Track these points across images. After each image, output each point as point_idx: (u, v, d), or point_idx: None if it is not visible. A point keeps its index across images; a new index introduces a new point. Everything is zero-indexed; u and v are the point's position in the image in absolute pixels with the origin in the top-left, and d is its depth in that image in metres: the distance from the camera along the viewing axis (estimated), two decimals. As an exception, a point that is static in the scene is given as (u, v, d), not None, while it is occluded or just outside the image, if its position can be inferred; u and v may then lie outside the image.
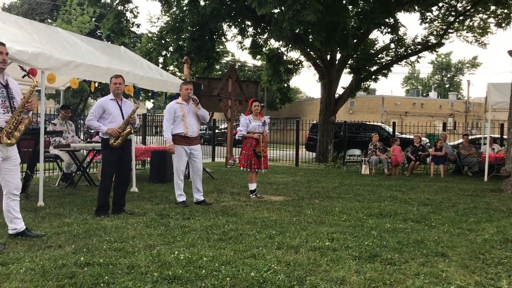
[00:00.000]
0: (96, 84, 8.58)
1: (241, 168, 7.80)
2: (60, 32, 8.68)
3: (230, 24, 17.31)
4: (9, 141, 4.36)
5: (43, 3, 28.67)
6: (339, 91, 18.34)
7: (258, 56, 19.31)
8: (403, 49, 18.15)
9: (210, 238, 4.75)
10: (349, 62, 17.86)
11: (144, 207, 6.54)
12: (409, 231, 5.26)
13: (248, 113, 7.84)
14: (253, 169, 7.63)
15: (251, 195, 7.73)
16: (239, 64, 39.29)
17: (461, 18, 17.56)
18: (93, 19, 24.78)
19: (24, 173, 7.34)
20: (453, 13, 17.54)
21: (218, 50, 20.37)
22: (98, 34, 25.96)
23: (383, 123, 23.62)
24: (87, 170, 9.09)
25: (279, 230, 5.18)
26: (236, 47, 25.94)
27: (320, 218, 5.98)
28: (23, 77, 5.07)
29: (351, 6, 15.98)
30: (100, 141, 6.26)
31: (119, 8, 16.17)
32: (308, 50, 17.16)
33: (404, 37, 17.97)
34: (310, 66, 18.88)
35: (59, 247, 4.28)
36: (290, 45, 17.20)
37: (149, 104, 48.51)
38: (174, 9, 16.98)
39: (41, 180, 6.66)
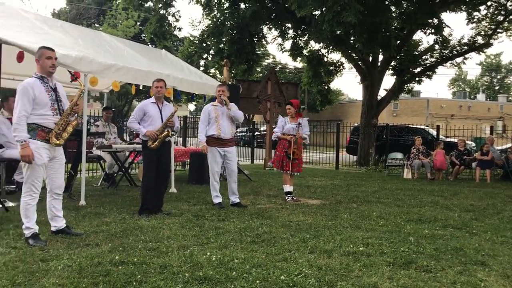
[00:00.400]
0: (141, 87, 8.81)
1: (275, 169, 7.86)
2: (104, 36, 8.96)
3: (270, 26, 17.33)
4: (57, 142, 4.56)
5: (90, 9, 29.69)
6: (382, 93, 18.01)
7: (299, 58, 19.23)
8: (448, 50, 17.59)
9: (243, 240, 4.76)
10: (392, 63, 17.48)
11: (181, 208, 6.63)
12: (448, 238, 5.09)
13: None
14: (284, 171, 7.64)
15: (286, 197, 7.71)
16: (280, 66, 39.28)
17: (511, 17, 16.86)
18: (138, 23, 25.42)
19: (68, 173, 7.63)
20: (502, 12, 16.85)
21: (258, 52, 20.44)
22: (142, 38, 26.61)
23: (427, 126, 22.99)
24: (129, 171, 9.31)
25: (313, 234, 5.14)
26: (276, 49, 25.92)
27: (357, 223, 5.88)
28: (71, 81, 5.28)
29: (393, 7, 15.65)
30: (141, 142, 6.45)
31: (161, 12, 16.50)
32: (349, 51, 16.94)
33: (449, 37, 17.41)
34: (352, 67, 18.64)
35: (97, 245, 4.41)
36: (330, 47, 17.03)
37: (191, 107, 49.19)
38: (215, 12, 17.16)
39: (83, 180, 6.88)
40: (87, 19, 29.03)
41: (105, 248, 4.27)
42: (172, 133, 6.35)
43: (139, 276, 3.48)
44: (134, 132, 8.15)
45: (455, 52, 17.51)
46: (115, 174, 9.17)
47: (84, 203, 6.65)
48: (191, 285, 3.35)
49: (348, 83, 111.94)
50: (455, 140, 15.16)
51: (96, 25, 28.14)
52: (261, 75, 30.67)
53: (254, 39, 17.41)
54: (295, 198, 7.75)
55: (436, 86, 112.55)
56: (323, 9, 12.84)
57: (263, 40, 18.55)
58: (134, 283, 3.35)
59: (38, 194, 4.59)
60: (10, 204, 6.32)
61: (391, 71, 17.88)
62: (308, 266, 3.86)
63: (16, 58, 5.97)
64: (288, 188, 7.75)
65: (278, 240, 4.81)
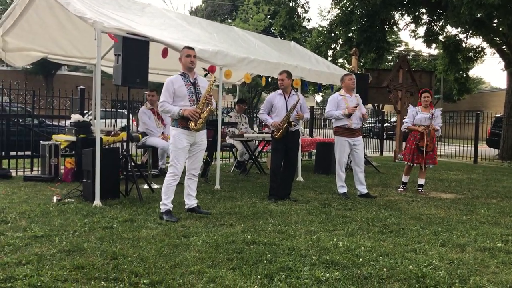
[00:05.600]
0: (270, 79, 9.12)
1: (406, 163, 7.55)
2: (236, 30, 9.43)
3: (403, 12, 16.61)
4: (195, 127, 5.03)
5: (223, 5, 31.26)
6: (530, 80, 16.22)
7: (433, 45, 18.15)
8: None
9: (370, 229, 4.75)
10: (544, 47, 15.66)
11: (307, 196, 6.79)
12: None
13: (419, 104, 7.55)
14: (415, 164, 7.39)
15: (400, 186, 7.67)
16: (412, 53, 37.42)
17: None
18: (268, 17, 26.11)
19: (204, 160, 8.24)
20: None
21: (389, 40, 19.71)
22: (272, 30, 27.29)
23: None
24: (258, 159, 9.72)
25: (446, 227, 4.93)
26: (409, 36, 24.68)
27: (495, 219, 5.48)
28: (204, 76, 5.74)
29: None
30: (270, 132, 6.77)
31: (291, 4, 16.75)
32: (492, 35, 15.53)
33: None
34: (494, 53, 17.09)
35: (230, 225, 4.75)
36: (470, 31, 15.78)
37: (318, 98, 49.28)
38: (345, 1, 16.94)
39: (218, 167, 7.38)
40: (221, 15, 30.62)
41: (238, 229, 4.58)
42: (294, 123, 6.44)
43: (269, 255, 3.69)
44: (263, 123, 8.50)
45: None
46: (246, 162, 9.66)
47: (219, 187, 7.14)
48: (319, 268, 3.46)
49: (490, 70, 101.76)
50: None
51: (229, 20, 29.52)
52: (391, 63, 29.54)
53: (385, 26, 16.83)
54: (423, 191, 7.46)
55: None
56: (462, -9, 11.95)
57: (395, 27, 17.86)
58: (265, 261, 3.56)
59: (179, 176, 5.15)
60: (155, 186, 7.02)
61: (542, 55, 16.04)
62: (439, 259, 3.74)
63: (161, 54, 6.58)
64: (406, 179, 7.67)
65: (407, 231, 4.70)
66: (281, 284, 3.11)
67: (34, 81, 27.18)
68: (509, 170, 12.36)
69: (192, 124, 5.02)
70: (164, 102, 5.08)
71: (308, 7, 17.16)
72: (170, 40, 6.41)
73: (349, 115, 6.74)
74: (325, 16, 27.28)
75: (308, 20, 28.09)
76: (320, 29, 19.10)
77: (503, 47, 15.93)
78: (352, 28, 16.52)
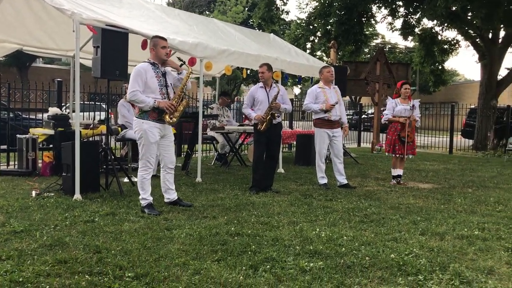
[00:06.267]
0: (249, 72, 9.11)
1: (387, 154, 7.66)
2: (216, 22, 9.39)
3: (380, 5, 16.76)
4: (171, 121, 4.99)
5: (202, -4, 31.11)
6: (502, 72, 16.64)
7: (410, 37, 18.38)
8: None
9: (351, 219, 4.82)
10: (515, 39, 16.02)
11: (289, 187, 6.84)
12: None
13: (395, 96, 7.65)
14: (397, 155, 7.43)
15: (393, 180, 7.59)
16: (389, 46, 37.80)
17: None
18: (246, 9, 26.04)
19: (184, 153, 8.21)
20: None
21: (367, 32, 19.86)
22: (250, 23, 27.21)
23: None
24: (239, 151, 9.73)
25: (425, 216, 5.03)
26: (386, 29, 24.90)
27: (472, 208, 5.62)
28: (180, 66, 5.68)
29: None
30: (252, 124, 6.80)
31: (270, -4, 16.72)
32: (466, 28, 15.81)
33: None
34: (468, 45, 17.40)
35: (214, 217, 4.75)
36: (445, 24, 16.03)
37: (296, 90, 49.41)
38: (323, -7, 17.00)
39: (199, 159, 7.36)
40: (199, 7, 30.40)
41: (221, 221, 4.59)
42: (277, 114, 6.47)
43: (253, 246, 3.72)
44: (243, 115, 8.52)
45: None
46: (227, 154, 9.65)
47: (200, 180, 7.13)
48: (302, 258, 3.50)
49: (464, 63, 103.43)
50: None
51: (207, 12, 29.35)
52: (368, 56, 29.81)
53: (363, 19, 16.96)
54: (401, 182, 7.56)
55: None
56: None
57: (372, 19, 18.01)
58: (249, 252, 3.59)
59: (152, 168, 5.13)
60: (135, 179, 6.95)
61: (514, 48, 16.40)
62: (419, 247, 3.83)
63: (141, 46, 6.51)
64: (396, 172, 7.57)
65: (387, 221, 4.79)
66: (266, 275, 3.14)
67: (8, 73, 26.52)
68: (483, 160, 12.66)
69: (168, 117, 4.95)
70: (137, 91, 4.84)
71: (287, 0, 17.17)
72: (149, 32, 6.33)
73: (326, 111, 6.84)
74: (303, 8, 27.32)
75: (287, 13, 28.06)
76: (298, 21, 19.14)
77: (477, 40, 16.24)
78: (330, 21, 16.59)
